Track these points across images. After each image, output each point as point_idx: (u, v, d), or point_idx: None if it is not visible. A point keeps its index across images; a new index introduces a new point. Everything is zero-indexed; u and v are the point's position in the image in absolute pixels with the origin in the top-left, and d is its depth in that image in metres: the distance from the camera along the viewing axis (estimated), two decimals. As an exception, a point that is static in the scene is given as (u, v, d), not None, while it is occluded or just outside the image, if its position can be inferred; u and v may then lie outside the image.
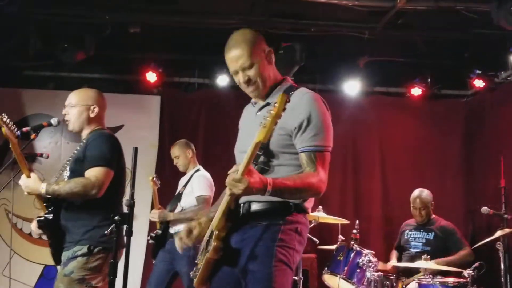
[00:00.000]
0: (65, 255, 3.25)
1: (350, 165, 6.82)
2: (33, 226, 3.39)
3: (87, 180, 3.14)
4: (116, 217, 2.30)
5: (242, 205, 2.48)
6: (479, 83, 6.32)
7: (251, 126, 2.54)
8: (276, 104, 2.15)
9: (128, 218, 2.29)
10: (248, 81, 2.49)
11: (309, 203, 2.56)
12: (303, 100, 2.45)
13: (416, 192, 5.60)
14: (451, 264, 4.88)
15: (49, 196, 3.20)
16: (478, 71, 6.25)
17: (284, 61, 5.99)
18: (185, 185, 5.05)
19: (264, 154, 2.43)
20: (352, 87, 6.69)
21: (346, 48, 6.29)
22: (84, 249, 3.17)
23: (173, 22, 5.77)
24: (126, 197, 2.67)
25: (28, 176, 3.22)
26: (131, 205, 2.34)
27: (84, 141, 3.36)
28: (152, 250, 5.01)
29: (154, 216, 4.92)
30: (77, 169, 3.24)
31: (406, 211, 5.82)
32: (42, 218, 3.27)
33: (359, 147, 6.89)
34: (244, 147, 2.47)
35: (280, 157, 2.45)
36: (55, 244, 3.32)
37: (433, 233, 5.42)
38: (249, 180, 2.16)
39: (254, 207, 2.46)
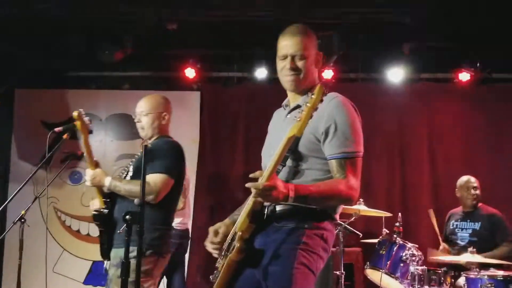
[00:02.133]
0: (115, 252, 3.30)
1: (397, 156, 6.61)
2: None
3: (146, 185, 3.18)
4: (127, 217, 2.27)
5: (267, 207, 2.42)
6: (532, 65, 5.99)
7: (280, 130, 2.48)
8: (313, 96, 2.09)
9: (139, 218, 2.26)
10: (294, 69, 2.46)
11: (337, 209, 2.48)
12: (330, 104, 2.38)
13: (464, 177, 5.45)
14: (496, 257, 4.66)
15: (110, 190, 3.31)
16: (531, 53, 5.92)
17: (323, 51, 5.86)
18: None
19: (293, 157, 2.38)
20: (396, 74, 6.48)
21: (388, 34, 6.09)
22: (135, 252, 3.20)
23: (209, 17, 5.75)
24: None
25: (93, 169, 3.34)
26: (142, 205, 2.31)
27: (149, 145, 3.42)
28: None
29: None
30: (140, 171, 3.28)
31: (457, 201, 5.60)
32: (98, 212, 3.35)
33: (406, 137, 6.66)
34: (271, 150, 2.41)
35: (309, 160, 2.38)
36: (106, 239, 3.38)
37: (479, 222, 5.19)
38: (272, 187, 2.12)
39: (280, 209, 2.40)
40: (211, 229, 2.55)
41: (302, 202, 2.26)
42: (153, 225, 3.27)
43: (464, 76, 6.41)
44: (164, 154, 3.35)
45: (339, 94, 2.47)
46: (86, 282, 6.27)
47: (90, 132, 3.37)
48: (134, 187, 3.22)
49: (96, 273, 6.27)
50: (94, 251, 6.29)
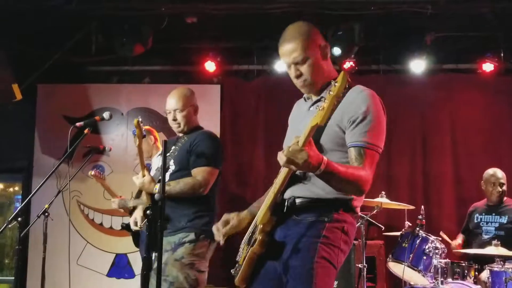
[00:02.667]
0: (166, 240, 3.35)
1: (419, 148, 6.54)
2: (133, 223, 3.59)
3: (195, 181, 3.37)
4: (148, 211, 2.28)
5: (287, 200, 2.40)
6: (557, 54, 5.88)
7: (301, 121, 2.45)
8: (336, 84, 2.02)
9: (160, 212, 2.26)
10: (299, 76, 2.41)
11: (358, 202, 2.44)
12: (359, 96, 2.34)
13: (490, 170, 5.33)
14: None
15: None
16: (555, 41, 5.81)
17: (343, 42, 5.83)
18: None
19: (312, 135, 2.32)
20: (418, 65, 6.39)
21: (409, 25, 6.02)
22: (191, 235, 3.36)
23: (229, 10, 5.73)
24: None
25: (144, 175, 3.37)
26: (163, 199, 2.32)
27: (185, 138, 3.53)
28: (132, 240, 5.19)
29: (114, 204, 5.07)
30: (184, 164, 3.45)
31: (480, 193, 5.54)
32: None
33: (428, 129, 6.58)
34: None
35: (331, 154, 2.31)
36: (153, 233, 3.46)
37: (506, 216, 5.10)
38: (309, 152, 2.05)
39: (299, 202, 2.38)
40: (225, 217, 2.55)
41: (326, 178, 2.18)
42: (201, 211, 3.44)
43: (488, 67, 6.31)
44: (208, 146, 3.44)
45: (367, 88, 2.42)
46: (109, 274, 6.33)
47: (144, 136, 3.45)
48: (184, 187, 3.35)
49: (119, 266, 6.34)
50: (117, 244, 6.39)
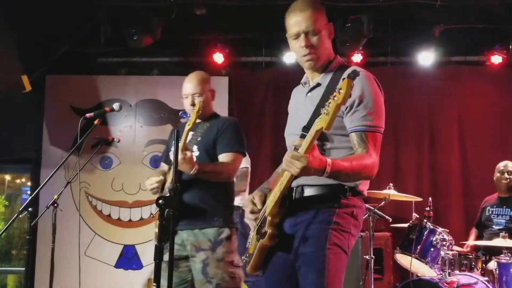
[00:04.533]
0: (198, 235, 3.25)
1: (427, 140, 6.56)
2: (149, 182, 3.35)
3: (228, 165, 3.28)
4: (160, 201, 2.28)
5: (295, 189, 2.41)
6: None
7: (301, 108, 2.48)
8: (341, 91, 2.01)
9: (172, 202, 2.26)
10: (310, 46, 2.39)
11: (364, 186, 2.45)
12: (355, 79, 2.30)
13: (503, 162, 5.37)
14: None
15: (198, 176, 3.19)
16: None
17: (352, 34, 5.81)
18: None
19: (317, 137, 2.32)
20: (426, 57, 6.39)
21: (417, 17, 6.00)
22: (226, 231, 3.27)
23: (237, 1, 5.73)
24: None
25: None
26: (175, 189, 2.32)
27: (206, 124, 3.40)
28: None
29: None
30: (209, 149, 3.33)
31: (488, 185, 5.55)
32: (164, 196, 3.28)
33: (436, 120, 6.59)
34: (295, 129, 2.41)
35: (333, 139, 2.35)
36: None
37: None
38: (309, 158, 2.06)
39: (308, 191, 2.39)
40: (248, 201, 2.52)
41: (335, 177, 2.22)
42: (226, 201, 3.38)
43: (496, 59, 6.30)
44: (237, 133, 3.38)
45: (362, 68, 2.41)
46: (117, 265, 6.36)
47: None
48: (221, 168, 3.26)
49: (127, 257, 6.37)
50: (125, 235, 6.43)
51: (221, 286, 3.18)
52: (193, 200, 3.25)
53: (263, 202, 2.47)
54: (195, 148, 3.35)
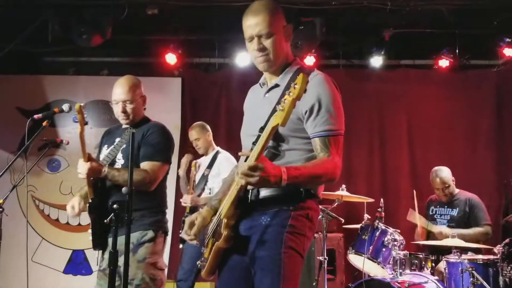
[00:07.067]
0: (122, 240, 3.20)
1: (377, 141, 6.70)
2: (71, 208, 3.34)
3: (145, 174, 3.19)
4: (115, 206, 2.22)
5: (250, 191, 2.39)
6: (509, 52, 6.12)
7: (258, 109, 2.45)
8: (296, 86, 2.01)
9: (127, 207, 2.21)
10: (262, 49, 2.38)
11: (320, 188, 2.46)
12: (312, 82, 2.30)
13: (433, 172, 5.38)
14: (466, 238, 4.70)
15: (108, 180, 3.19)
16: (508, 40, 6.01)
17: (305, 36, 5.85)
18: (209, 167, 5.01)
19: (273, 138, 2.31)
20: (376, 61, 6.52)
21: (369, 21, 6.10)
22: (150, 234, 3.23)
23: (191, 2, 5.66)
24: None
25: (86, 161, 3.15)
26: (130, 193, 2.26)
27: (132, 129, 3.25)
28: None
29: (186, 200, 4.89)
30: (134, 157, 3.20)
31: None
32: (91, 201, 3.24)
33: (386, 122, 6.73)
34: (251, 130, 2.39)
35: (290, 141, 2.34)
36: (97, 228, 3.29)
37: (457, 208, 5.23)
38: (266, 170, 2.04)
39: (263, 193, 2.37)
40: (188, 221, 2.50)
41: (294, 183, 2.21)
42: (155, 207, 3.33)
43: (444, 63, 6.48)
44: (160, 140, 3.29)
45: (319, 71, 2.42)
46: (66, 271, 6.20)
47: (86, 123, 3.23)
48: (135, 176, 3.06)
49: (76, 262, 6.21)
50: (73, 240, 6.25)
51: (140, 287, 3.14)
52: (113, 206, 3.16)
53: (207, 224, 2.46)
54: (119, 156, 3.31)
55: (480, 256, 4.41)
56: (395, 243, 4.55)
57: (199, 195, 4.95)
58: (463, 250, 4.44)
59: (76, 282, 6.18)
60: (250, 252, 2.33)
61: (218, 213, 2.43)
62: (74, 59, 6.55)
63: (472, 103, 6.68)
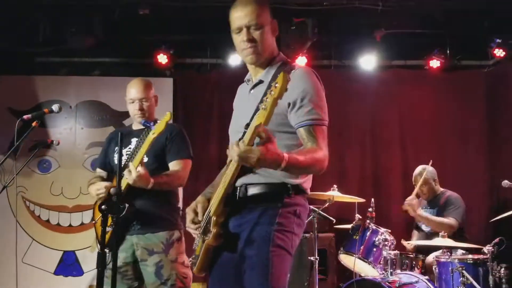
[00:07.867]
0: (148, 239, 3.33)
1: (369, 142, 6.69)
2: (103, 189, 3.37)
3: (180, 173, 3.41)
4: (103, 206, 2.22)
5: (238, 188, 2.40)
6: (499, 53, 6.15)
7: (244, 105, 2.48)
8: (277, 85, 2.02)
9: (116, 207, 2.21)
10: (251, 40, 2.38)
11: (308, 183, 2.47)
12: (295, 75, 2.31)
13: (416, 170, 5.42)
14: (431, 223, 4.96)
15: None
16: (498, 40, 6.05)
17: (296, 37, 5.86)
18: None
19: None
20: (368, 61, 6.54)
21: (360, 21, 6.11)
22: (177, 234, 3.40)
23: (183, 2, 5.66)
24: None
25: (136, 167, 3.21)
26: (118, 194, 2.26)
27: (152, 130, 3.31)
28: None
29: None
30: (158, 156, 3.44)
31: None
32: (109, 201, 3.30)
33: (377, 122, 6.73)
34: (238, 127, 2.41)
35: (278, 137, 2.30)
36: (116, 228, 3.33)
37: (437, 208, 5.25)
38: (262, 151, 2.03)
39: (251, 190, 2.38)
40: (190, 209, 2.50)
41: (288, 171, 2.21)
42: (174, 204, 3.52)
43: (435, 63, 6.50)
44: (185, 140, 3.55)
45: (300, 65, 2.45)
46: (56, 272, 6.15)
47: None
48: (173, 179, 3.37)
49: (67, 263, 6.16)
50: (64, 241, 6.23)
51: (175, 287, 3.28)
52: (146, 205, 3.33)
53: (207, 207, 2.45)
54: (145, 153, 3.34)
55: (470, 256, 4.42)
56: (386, 243, 4.56)
57: None
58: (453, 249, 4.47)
59: (67, 283, 6.13)
60: (239, 250, 2.34)
61: (207, 211, 2.43)
62: (66, 59, 6.51)
63: (463, 103, 6.70)
